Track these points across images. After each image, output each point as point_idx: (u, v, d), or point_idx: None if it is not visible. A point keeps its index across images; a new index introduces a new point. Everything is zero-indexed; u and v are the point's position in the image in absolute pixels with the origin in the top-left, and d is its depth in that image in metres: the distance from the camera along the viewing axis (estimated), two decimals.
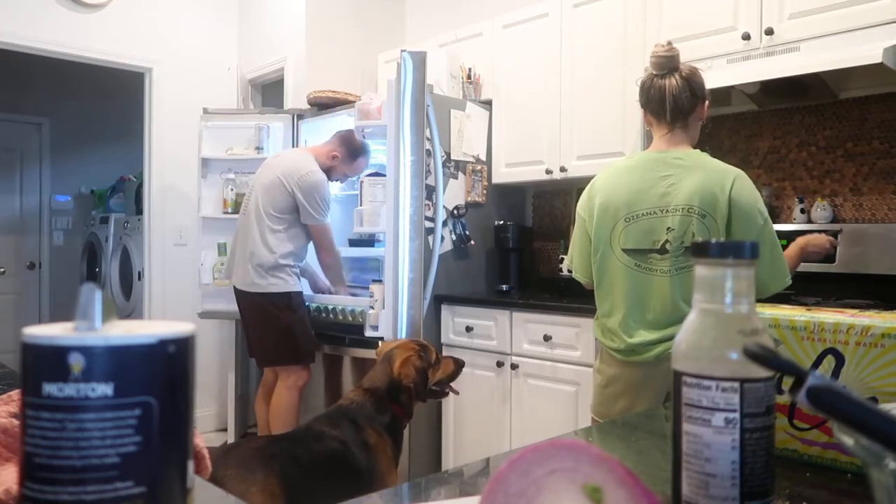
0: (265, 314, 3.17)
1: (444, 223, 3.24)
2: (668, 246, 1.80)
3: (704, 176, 1.79)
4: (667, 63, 1.86)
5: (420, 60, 2.97)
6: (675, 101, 1.85)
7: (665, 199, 1.81)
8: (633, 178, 1.86)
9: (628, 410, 1.86)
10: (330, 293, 3.44)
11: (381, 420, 1.94)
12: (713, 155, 3.07)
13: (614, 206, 1.86)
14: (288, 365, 3.18)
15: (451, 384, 2.18)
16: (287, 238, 3.17)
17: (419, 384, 2.01)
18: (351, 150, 3.31)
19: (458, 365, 2.20)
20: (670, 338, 1.80)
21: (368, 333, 3.04)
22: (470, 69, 3.53)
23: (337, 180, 3.44)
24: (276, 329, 3.15)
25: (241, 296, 3.23)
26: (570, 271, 2.08)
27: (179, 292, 4.29)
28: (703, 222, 1.76)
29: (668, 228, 1.80)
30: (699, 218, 1.76)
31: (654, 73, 1.88)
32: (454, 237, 3.33)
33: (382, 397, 1.97)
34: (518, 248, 3.52)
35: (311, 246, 3.32)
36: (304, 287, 3.67)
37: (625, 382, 1.89)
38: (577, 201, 3.64)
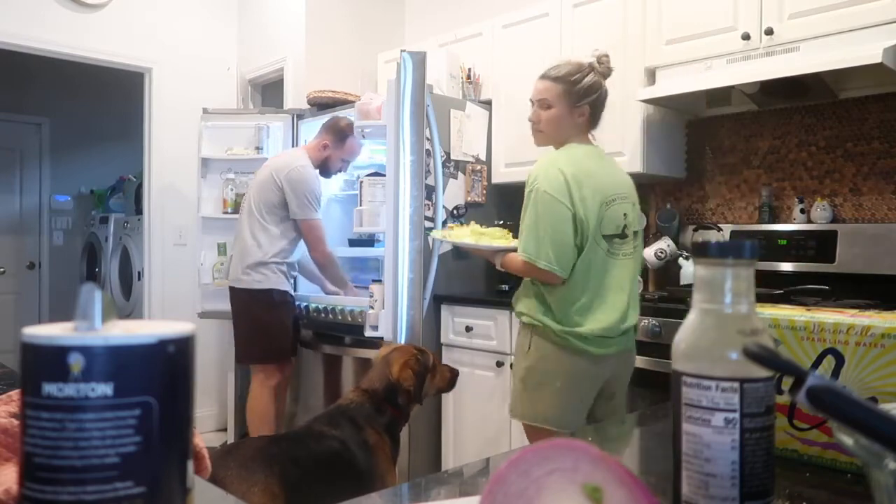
0: (245, 310, 3.20)
1: (444, 223, 3.24)
2: (626, 230, 2.01)
3: (620, 168, 2.15)
4: (609, 74, 2.10)
5: (420, 60, 2.97)
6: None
7: (618, 188, 2.03)
8: (596, 166, 2.03)
9: (585, 409, 2.03)
10: (337, 295, 3.43)
11: (380, 420, 1.95)
12: (713, 155, 3.10)
13: (598, 192, 1.98)
14: (257, 363, 3.18)
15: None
16: (277, 235, 3.17)
17: (417, 388, 2.03)
18: (337, 134, 3.30)
19: (454, 374, 2.25)
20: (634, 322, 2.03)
21: (368, 333, 3.04)
22: (470, 69, 3.53)
23: (339, 170, 3.39)
24: (252, 325, 3.18)
25: (230, 292, 3.27)
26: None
27: (179, 292, 4.29)
28: (636, 209, 2.08)
29: (624, 214, 2.02)
30: (634, 205, 2.07)
31: (602, 79, 2.09)
32: None
33: (381, 399, 1.98)
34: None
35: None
36: (300, 287, 3.67)
37: (592, 377, 2.03)
38: None
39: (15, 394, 0.70)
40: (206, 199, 3.89)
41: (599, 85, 2.07)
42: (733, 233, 2.91)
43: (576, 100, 2.04)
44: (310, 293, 3.58)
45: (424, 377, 2.08)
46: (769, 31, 2.46)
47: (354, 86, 4.11)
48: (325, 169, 3.32)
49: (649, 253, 2.98)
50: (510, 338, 2.96)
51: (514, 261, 2.06)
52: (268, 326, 3.16)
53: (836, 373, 0.70)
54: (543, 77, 2.08)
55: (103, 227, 5.69)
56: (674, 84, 2.73)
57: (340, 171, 3.42)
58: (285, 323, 3.22)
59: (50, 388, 0.35)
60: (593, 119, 2.09)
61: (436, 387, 2.17)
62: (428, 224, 3.12)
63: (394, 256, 2.97)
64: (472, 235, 2.20)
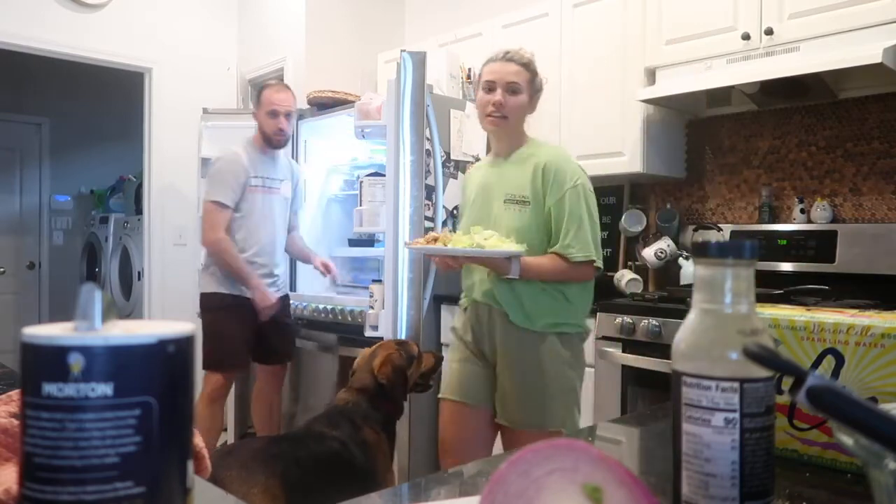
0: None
1: (444, 223, 3.24)
2: None
3: None
4: None
5: (420, 60, 2.97)
6: None
7: None
8: None
9: None
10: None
11: (377, 418, 1.96)
12: (713, 155, 3.08)
13: None
14: (204, 369, 3.03)
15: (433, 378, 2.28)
16: None
17: (398, 381, 2.06)
18: (255, 96, 3.19)
19: (438, 359, 2.28)
20: None
21: (368, 333, 3.03)
22: (470, 69, 3.53)
23: (278, 132, 3.06)
24: (203, 330, 3.06)
25: None
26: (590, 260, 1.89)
27: (179, 292, 4.29)
28: None
29: None
30: None
31: None
32: None
33: (374, 396, 2.00)
34: None
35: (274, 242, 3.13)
36: (301, 287, 3.66)
37: None
38: None
39: (15, 394, 0.70)
40: None
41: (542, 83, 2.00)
42: (733, 233, 2.91)
43: (534, 91, 1.95)
44: (305, 293, 3.58)
45: (405, 371, 2.10)
46: (769, 31, 2.46)
47: (354, 86, 4.11)
48: (266, 139, 3.08)
49: (649, 253, 2.98)
50: None
51: (551, 265, 1.85)
52: (208, 331, 2.99)
53: (836, 373, 0.70)
54: (509, 60, 1.91)
55: (103, 227, 5.69)
56: (674, 84, 2.73)
57: (282, 132, 3.06)
58: (226, 328, 2.98)
59: (50, 388, 0.35)
60: None
61: (420, 373, 2.19)
62: (428, 224, 3.12)
63: (394, 256, 2.97)
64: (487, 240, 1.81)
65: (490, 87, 1.89)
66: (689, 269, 2.93)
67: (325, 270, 3.30)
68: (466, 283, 2.01)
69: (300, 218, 3.83)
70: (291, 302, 3.54)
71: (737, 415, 0.51)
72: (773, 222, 2.85)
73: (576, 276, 1.88)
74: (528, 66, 1.92)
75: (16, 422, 0.63)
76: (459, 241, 1.80)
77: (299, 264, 3.81)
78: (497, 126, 1.91)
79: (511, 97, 1.88)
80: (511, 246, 1.79)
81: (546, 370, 1.88)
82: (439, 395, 2.06)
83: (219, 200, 2.97)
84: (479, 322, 1.97)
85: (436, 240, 1.78)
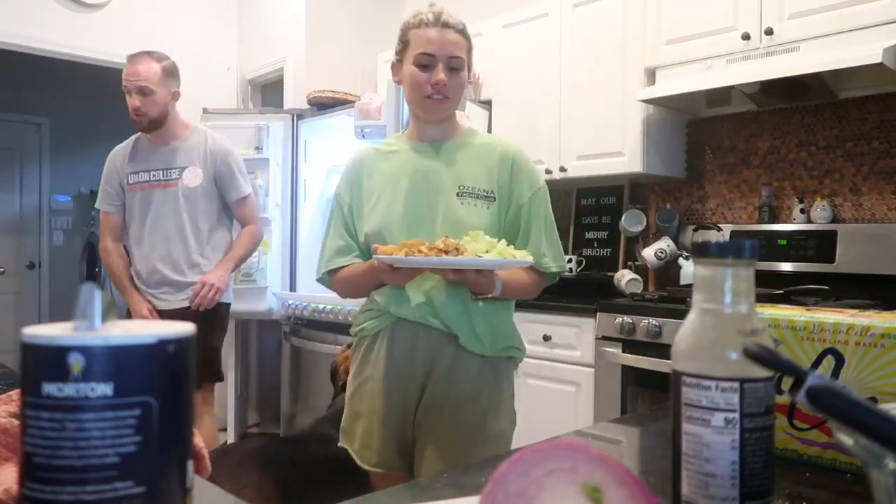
0: None
1: None
2: None
3: None
4: None
5: None
6: None
7: None
8: None
9: None
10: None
11: None
12: (713, 155, 3.07)
13: None
14: None
15: None
16: None
17: None
18: None
19: None
20: None
21: None
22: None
23: (136, 112, 2.58)
24: None
25: None
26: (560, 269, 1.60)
27: None
28: None
29: None
30: None
31: None
32: None
33: None
34: None
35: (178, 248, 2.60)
36: (300, 287, 3.66)
37: None
38: (577, 201, 3.62)
39: (15, 394, 0.70)
40: None
41: None
42: (733, 233, 2.91)
43: (470, 64, 1.62)
44: (305, 293, 3.58)
45: None
46: (769, 31, 2.46)
47: (354, 86, 4.11)
48: (144, 126, 2.63)
49: (649, 253, 2.98)
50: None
51: (527, 278, 1.53)
52: None
53: (836, 373, 0.70)
54: (446, 26, 1.57)
55: None
56: (674, 84, 2.73)
57: (137, 112, 2.57)
58: None
59: (50, 388, 0.35)
60: None
61: None
62: None
63: None
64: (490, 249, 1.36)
65: (428, 63, 1.53)
66: (689, 269, 2.93)
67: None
68: (412, 301, 1.50)
69: (300, 217, 3.83)
70: (291, 302, 3.54)
71: (737, 415, 0.51)
72: (773, 222, 2.86)
73: (538, 290, 1.57)
74: (465, 34, 1.62)
75: (16, 422, 0.63)
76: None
77: (299, 263, 3.81)
78: (439, 108, 1.54)
79: (453, 75, 1.53)
80: (518, 254, 1.38)
81: (503, 403, 1.60)
82: (362, 465, 1.58)
83: (101, 209, 2.73)
84: (414, 350, 1.52)
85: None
